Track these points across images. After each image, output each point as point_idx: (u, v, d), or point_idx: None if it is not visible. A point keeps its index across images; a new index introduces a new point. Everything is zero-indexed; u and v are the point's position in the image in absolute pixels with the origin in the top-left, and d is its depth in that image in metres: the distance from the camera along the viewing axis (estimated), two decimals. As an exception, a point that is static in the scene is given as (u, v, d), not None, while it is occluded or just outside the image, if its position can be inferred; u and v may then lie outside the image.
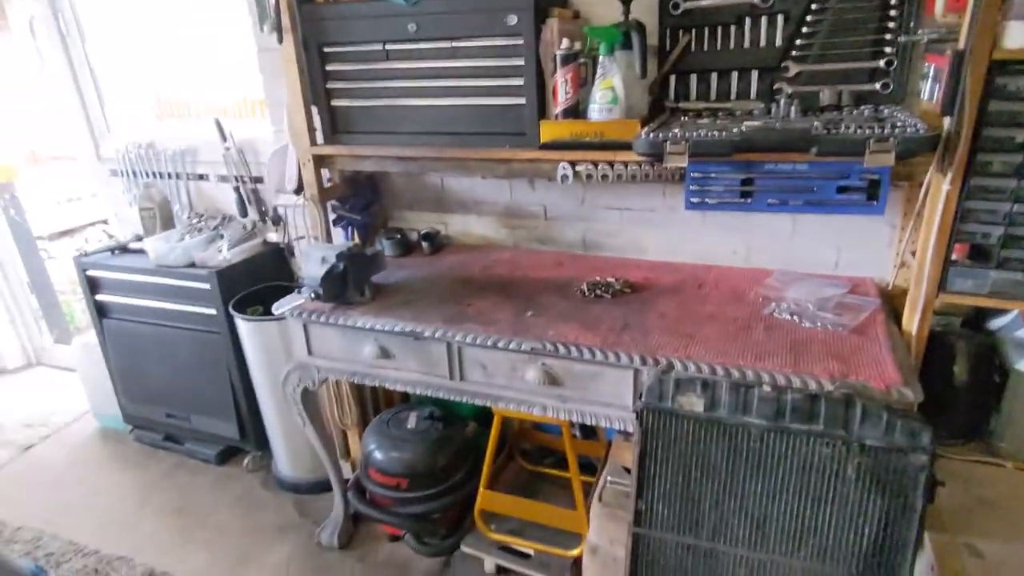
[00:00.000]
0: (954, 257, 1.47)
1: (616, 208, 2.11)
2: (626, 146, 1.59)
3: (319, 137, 2.03)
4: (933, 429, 1.20)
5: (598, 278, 1.86)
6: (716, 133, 1.45)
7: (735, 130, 1.45)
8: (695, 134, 1.46)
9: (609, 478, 1.66)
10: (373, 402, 2.49)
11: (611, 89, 1.65)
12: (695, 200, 1.63)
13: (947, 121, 1.35)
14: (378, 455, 2.07)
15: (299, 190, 2.14)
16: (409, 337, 1.69)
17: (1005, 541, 1.33)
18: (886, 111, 1.56)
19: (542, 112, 1.75)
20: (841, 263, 1.93)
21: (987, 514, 1.42)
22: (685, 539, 1.34)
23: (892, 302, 1.72)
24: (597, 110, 1.67)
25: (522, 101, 1.75)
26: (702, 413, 1.26)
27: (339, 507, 2.20)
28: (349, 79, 1.91)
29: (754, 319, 1.61)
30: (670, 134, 1.49)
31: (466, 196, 2.29)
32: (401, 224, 2.38)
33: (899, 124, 1.38)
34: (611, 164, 1.71)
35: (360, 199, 2.24)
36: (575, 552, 1.94)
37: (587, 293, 1.79)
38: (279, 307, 1.81)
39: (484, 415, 2.40)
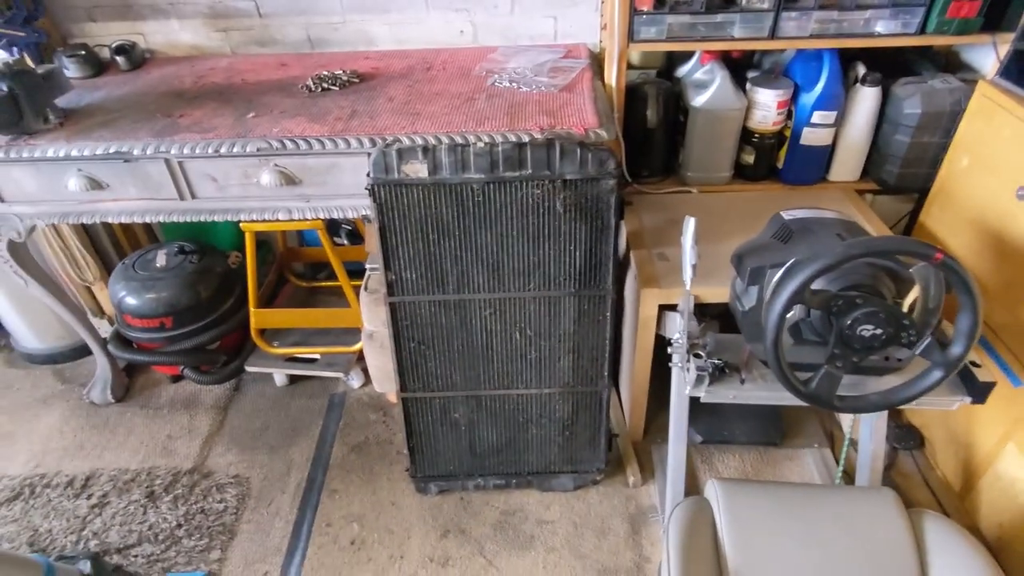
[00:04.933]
0: (641, 7, 1.62)
1: (335, -6, 1.97)
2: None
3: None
4: (625, 163, 1.40)
5: (325, 72, 1.78)
6: None
7: None
8: None
9: (368, 266, 1.74)
10: (117, 252, 2.27)
11: None
12: (403, -29, 1.57)
13: None
14: (131, 300, 1.94)
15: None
16: (117, 160, 1.51)
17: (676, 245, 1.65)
18: None
19: None
20: (559, 33, 2.03)
21: (674, 229, 1.74)
22: (435, 296, 1.48)
23: (600, 62, 1.88)
24: None
25: None
26: (427, 177, 1.33)
27: (103, 362, 2.07)
28: None
29: (477, 91, 1.67)
30: None
31: (158, -4, 1.97)
32: (85, 40, 2.01)
33: None
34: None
35: (17, 11, 1.82)
36: (357, 346, 2.06)
37: (314, 88, 1.71)
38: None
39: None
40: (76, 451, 1.96)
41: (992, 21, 1.59)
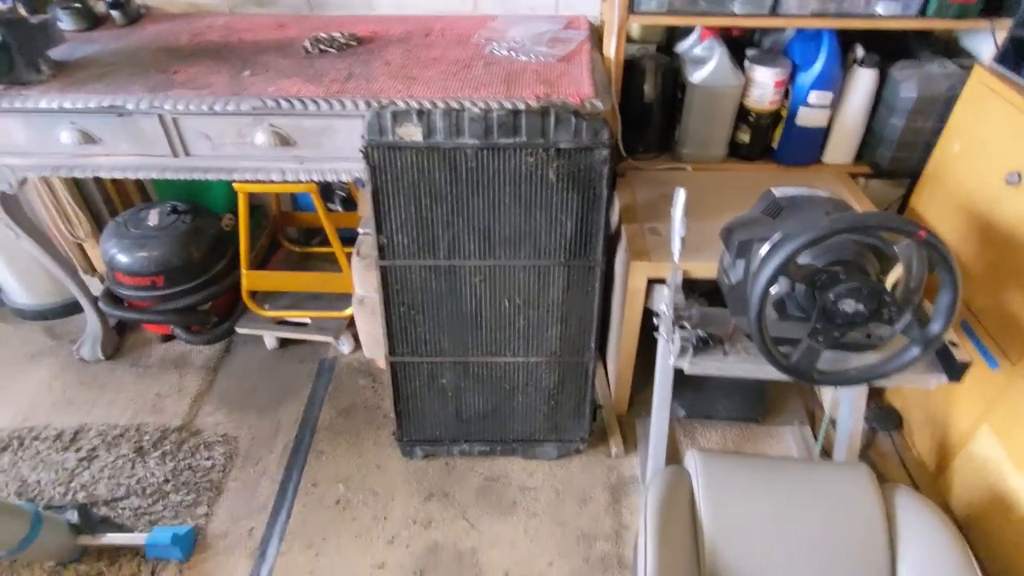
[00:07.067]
0: (641, -21, 1.61)
1: (335, -44, 1.94)
2: None
3: None
4: (621, 137, 1.39)
5: (323, 34, 1.76)
6: None
7: None
8: None
9: (361, 231, 1.74)
10: (109, 210, 2.26)
11: None
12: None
13: None
14: (122, 258, 1.94)
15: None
16: (110, 114, 1.50)
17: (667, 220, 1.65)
18: None
19: None
20: (560, 4, 2.01)
21: (667, 205, 1.75)
22: (426, 261, 1.49)
23: (600, 34, 1.87)
24: None
25: None
26: (421, 141, 1.33)
27: (93, 319, 2.07)
28: None
29: (475, 58, 1.66)
30: None
31: (155, -49, 1.94)
32: (81, -8, 1.98)
33: None
34: None
35: (11, -41, 1.79)
36: (348, 311, 2.07)
37: (311, 49, 1.70)
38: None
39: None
40: (65, 406, 1.97)
41: (992, 6, 1.59)
